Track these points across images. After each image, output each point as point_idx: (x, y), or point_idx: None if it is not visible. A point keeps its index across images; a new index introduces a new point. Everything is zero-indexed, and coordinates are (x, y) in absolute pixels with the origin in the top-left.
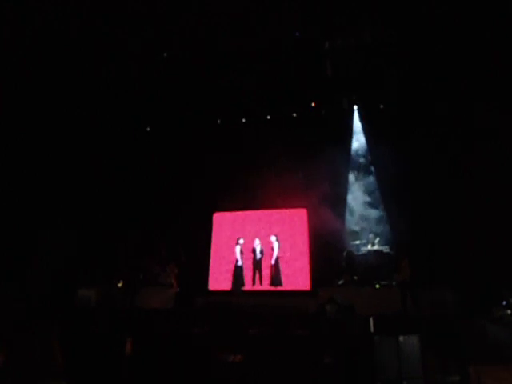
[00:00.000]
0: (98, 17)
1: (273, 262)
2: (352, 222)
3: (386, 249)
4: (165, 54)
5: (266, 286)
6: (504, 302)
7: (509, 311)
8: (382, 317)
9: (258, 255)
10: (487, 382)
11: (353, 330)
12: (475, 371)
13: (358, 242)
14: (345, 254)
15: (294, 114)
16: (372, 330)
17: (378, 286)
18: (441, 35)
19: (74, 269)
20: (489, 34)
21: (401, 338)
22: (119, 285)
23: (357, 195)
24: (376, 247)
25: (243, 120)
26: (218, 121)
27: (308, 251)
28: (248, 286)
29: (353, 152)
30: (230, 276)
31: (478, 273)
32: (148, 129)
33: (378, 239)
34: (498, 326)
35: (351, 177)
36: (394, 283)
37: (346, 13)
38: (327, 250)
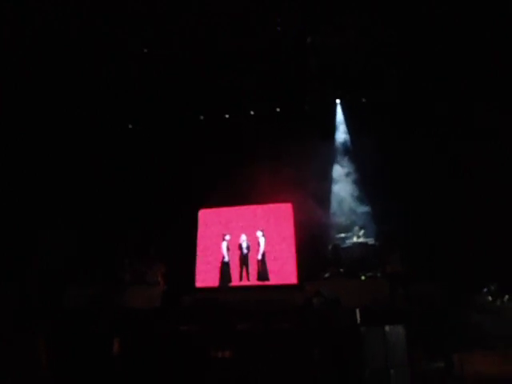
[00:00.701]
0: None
1: (259, 257)
2: (337, 215)
3: (370, 241)
4: (145, 50)
5: (253, 281)
6: (485, 290)
7: (490, 298)
8: (369, 308)
9: (245, 251)
10: (470, 368)
11: (340, 322)
12: (459, 358)
13: (343, 234)
14: (330, 247)
15: (278, 109)
16: (359, 320)
17: (363, 277)
18: (428, 28)
19: (61, 269)
20: (484, 31)
21: (387, 328)
22: (105, 284)
23: (342, 188)
24: (361, 239)
25: (226, 116)
26: (201, 117)
27: (294, 245)
28: (235, 282)
29: (337, 145)
30: (216, 272)
31: (461, 262)
32: (130, 126)
33: (362, 231)
34: (481, 313)
35: (336, 170)
36: (378, 274)
37: (333, 6)
38: (313, 244)
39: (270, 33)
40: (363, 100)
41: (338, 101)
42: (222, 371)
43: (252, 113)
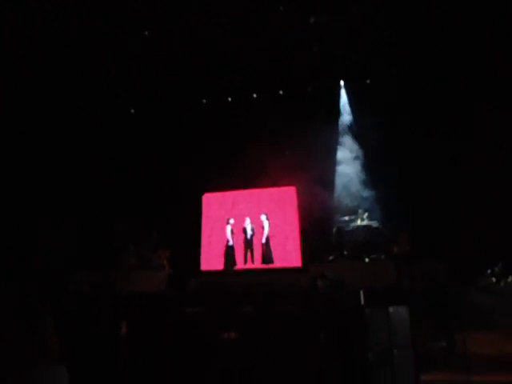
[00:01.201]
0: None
1: (264, 240)
2: (341, 198)
3: (375, 223)
4: (146, 33)
5: (257, 264)
6: (489, 271)
7: (493, 279)
8: (372, 289)
9: (249, 234)
10: (472, 347)
11: (344, 304)
12: (462, 338)
13: (347, 217)
14: (335, 229)
15: (281, 92)
16: (362, 302)
17: (367, 259)
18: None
19: (67, 254)
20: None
21: (390, 309)
22: (112, 269)
23: (346, 171)
24: (365, 222)
25: (229, 99)
26: (204, 100)
27: (298, 228)
28: (240, 265)
29: (341, 128)
30: (221, 256)
31: (465, 244)
32: (132, 111)
33: (366, 214)
34: (484, 294)
35: (340, 153)
36: (382, 256)
37: None
38: (317, 227)
39: (272, 13)
40: (367, 81)
41: (342, 83)
42: (227, 353)
43: (255, 96)
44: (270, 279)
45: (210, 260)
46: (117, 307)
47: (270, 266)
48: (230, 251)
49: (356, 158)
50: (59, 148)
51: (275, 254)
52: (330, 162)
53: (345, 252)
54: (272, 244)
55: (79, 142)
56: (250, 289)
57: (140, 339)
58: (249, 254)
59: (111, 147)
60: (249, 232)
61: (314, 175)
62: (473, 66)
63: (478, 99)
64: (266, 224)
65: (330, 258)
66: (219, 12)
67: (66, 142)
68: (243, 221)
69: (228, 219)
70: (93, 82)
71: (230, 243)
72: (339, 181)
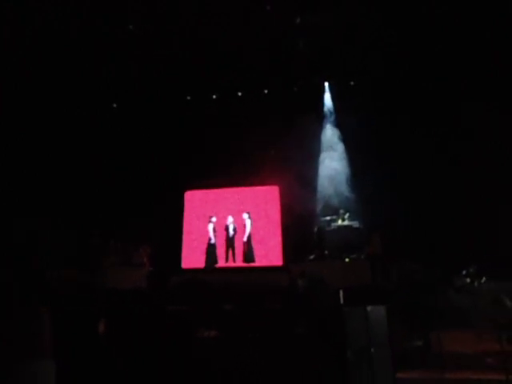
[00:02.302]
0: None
1: (245, 238)
2: (323, 199)
3: (355, 224)
4: (130, 27)
5: (239, 262)
6: (464, 272)
7: (468, 280)
8: (352, 289)
9: (231, 232)
10: (448, 346)
11: (324, 303)
12: (437, 337)
13: (328, 217)
14: (316, 229)
15: (266, 91)
16: (342, 301)
17: (347, 259)
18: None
19: (46, 249)
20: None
21: (369, 308)
22: (91, 266)
23: (328, 172)
24: (346, 222)
25: (213, 97)
26: (188, 97)
27: (280, 228)
28: (221, 263)
29: (325, 129)
30: (203, 254)
31: (441, 245)
32: (114, 105)
33: (347, 215)
34: (460, 294)
35: (323, 154)
36: (362, 256)
37: None
38: (299, 226)
39: (259, 15)
40: (351, 83)
41: (326, 84)
42: (208, 351)
43: (240, 94)
44: (251, 278)
45: (191, 258)
46: (96, 305)
47: (251, 264)
48: (211, 249)
49: (339, 159)
50: (40, 145)
51: (256, 253)
52: (313, 162)
53: (325, 252)
54: (253, 243)
55: (63, 139)
56: (230, 287)
57: (119, 337)
58: (230, 252)
59: (94, 145)
60: (231, 230)
61: (297, 175)
62: (460, 65)
63: (465, 98)
64: (248, 223)
65: (311, 257)
66: (213, 11)
67: (48, 140)
68: (225, 219)
69: (210, 217)
70: (77, 81)
71: (212, 241)
72: (322, 181)
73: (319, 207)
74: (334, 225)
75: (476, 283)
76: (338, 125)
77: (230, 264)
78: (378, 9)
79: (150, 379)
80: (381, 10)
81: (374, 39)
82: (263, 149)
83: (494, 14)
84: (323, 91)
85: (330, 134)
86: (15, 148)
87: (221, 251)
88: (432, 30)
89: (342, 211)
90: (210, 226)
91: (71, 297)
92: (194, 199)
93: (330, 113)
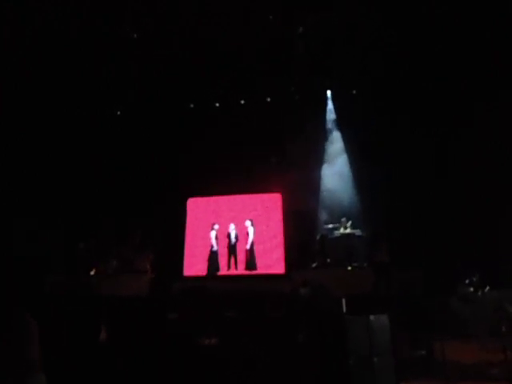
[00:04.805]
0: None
1: (248, 246)
2: (325, 207)
3: (358, 232)
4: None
5: (241, 270)
6: (467, 281)
7: (471, 289)
8: (354, 297)
9: (233, 240)
10: (451, 355)
11: (326, 311)
12: (440, 345)
13: (331, 225)
14: (318, 237)
15: (268, 99)
16: (344, 310)
17: (349, 268)
18: (420, 20)
19: (44, 255)
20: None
21: (371, 317)
22: (92, 272)
23: (331, 180)
24: (348, 230)
25: (216, 104)
26: (191, 105)
27: (282, 235)
28: (223, 271)
29: (327, 137)
30: (205, 261)
31: (445, 254)
32: (118, 113)
33: (350, 223)
34: (463, 303)
35: (325, 162)
36: (365, 264)
37: None
38: (301, 234)
39: (260, 22)
40: (353, 92)
41: (328, 92)
42: (209, 358)
43: (242, 102)
44: (253, 286)
45: (194, 265)
46: (97, 312)
47: (254, 272)
48: (213, 256)
49: (342, 167)
50: (43, 148)
51: (259, 261)
52: (316, 170)
53: (328, 260)
54: (256, 250)
55: (65, 144)
56: (232, 295)
57: (120, 345)
58: (232, 259)
59: (98, 149)
60: (233, 238)
61: (300, 183)
62: (460, 65)
63: (466, 101)
64: (250, 230)
65: (313, 265)
66: (209, 12)
67: (48, 143)
68: (228, 226)
69: (213, 224)
70: (79, 84)
71: (214, 248)
72: (324, 189)
73: (322, 215)
74: (336, 233)
75: (479, 292)
76: (341, 132)
77: (232, 272)
78: (377, 9)
79: None
80: (381, 10)
81: (374, 39)
82: (266, 156)
83: (494, 14)
84: (326, 98)
85: (332, 141)
86: (15, 149)
87: (223, 259)
88: (432, 30)
89: (344, 219)
90: (213, 234)
91: (61, 304)
92: (196, 206)
93: (333, 120)
